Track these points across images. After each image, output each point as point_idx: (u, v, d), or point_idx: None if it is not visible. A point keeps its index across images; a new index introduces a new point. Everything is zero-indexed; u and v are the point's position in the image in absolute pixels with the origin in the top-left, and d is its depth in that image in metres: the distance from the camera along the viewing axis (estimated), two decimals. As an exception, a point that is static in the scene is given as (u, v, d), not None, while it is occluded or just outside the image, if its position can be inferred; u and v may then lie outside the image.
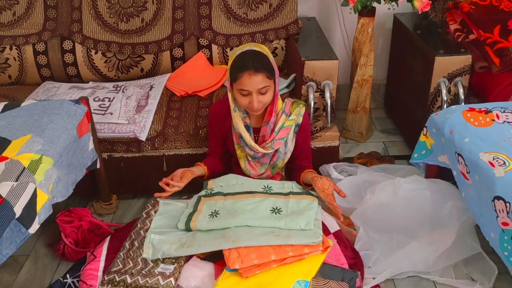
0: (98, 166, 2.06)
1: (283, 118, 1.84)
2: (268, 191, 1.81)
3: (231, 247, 1.55)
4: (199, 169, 1.93)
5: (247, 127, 1.85)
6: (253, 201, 1.74)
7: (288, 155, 1.91)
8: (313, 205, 1.73)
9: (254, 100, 1.72)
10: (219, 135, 1.97)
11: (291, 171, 2.02)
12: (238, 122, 1.83)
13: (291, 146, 1.90)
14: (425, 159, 2.04)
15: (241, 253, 1.53)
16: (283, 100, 1.89)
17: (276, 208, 1.71)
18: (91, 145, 2.00)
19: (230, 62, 1.75)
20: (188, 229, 1.66)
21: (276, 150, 1.88)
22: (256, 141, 1.88)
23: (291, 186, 1.84)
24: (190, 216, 1.70)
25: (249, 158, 1.90)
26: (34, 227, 1.50)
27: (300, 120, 1.88)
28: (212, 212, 1.71)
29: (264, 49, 1.74)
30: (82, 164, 1.93)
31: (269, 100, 1.77)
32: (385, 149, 2.70)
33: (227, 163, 2.03)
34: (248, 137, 1.83)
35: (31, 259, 2.04)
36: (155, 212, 1.81)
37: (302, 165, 1.98)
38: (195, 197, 1.83)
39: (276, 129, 1.84)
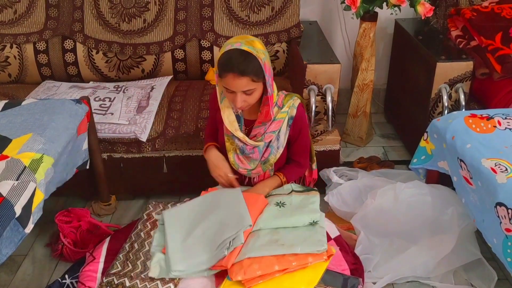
0: (87, 167, 2.04)
1: (275, 110, 1.73)
2: (269, 194, 1.80)
3: (237, 260, 1.52)
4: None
5: (238, 117, 1.76)
6: None
7: (281, 150, 1.78)
8: (315, 198, 1.73)
9: (237, 100, 1.62)
10: (215, 123, 1.87)
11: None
12: (226, 111, 1.72)
13: (283, 140, 1.77)
14: (424, 164, 2.04)
15: (244, 265, 1.50)
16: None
17: (280, 202, 1.71)
18: (85, 145, 1.99)
19: (219, 56, 1.63)
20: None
21: (268, 145, 1.76)
22: (247, 135, 1.77)
23: (290, 186, 1.82)
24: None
25: (238, 152, 1.79)
26: (29, 227, 1.49)
27: (294, 112, 1.75)
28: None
29: (256, 48, 1.59)
30: (74, 163, 1.92)
31: (254, 100, 1.66)
32: (385, 153, 2.70)
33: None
34: (235, 129, 1.72)
35: (29, 259, 2.02)
36: (156, 214, 1.80)
37: (298, 162, 1.87)
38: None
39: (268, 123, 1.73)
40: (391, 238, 1.93)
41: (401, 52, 2.73)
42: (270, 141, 1.76)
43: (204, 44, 2.53)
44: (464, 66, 2.23)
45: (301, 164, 1.88)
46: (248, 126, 1.78)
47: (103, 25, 2.50)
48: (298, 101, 1.78)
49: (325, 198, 2.12)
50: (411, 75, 2.57)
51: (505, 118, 1.85)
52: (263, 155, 1.78)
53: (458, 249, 1.85)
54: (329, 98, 2.21)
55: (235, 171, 1.82)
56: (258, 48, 1.60)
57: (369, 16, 2.47)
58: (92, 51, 2.51)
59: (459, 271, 1.88)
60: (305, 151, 1.88)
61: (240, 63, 1.56)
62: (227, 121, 1.74)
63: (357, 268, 1.70)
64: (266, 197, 1.78)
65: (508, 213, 1.47)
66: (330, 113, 2.22)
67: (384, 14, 2.52)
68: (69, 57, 2.52)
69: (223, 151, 1.83)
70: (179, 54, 2.53)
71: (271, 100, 1.69)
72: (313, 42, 2.54)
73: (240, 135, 1.73)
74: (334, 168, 2.28)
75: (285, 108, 1.74)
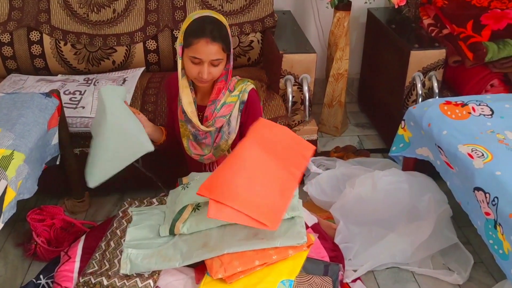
0: (57, 163, 1.97)
1: (226, 94, 1.72)
2: None
3: (215, 255, 1.49)
4: (158, 130, 1.85)
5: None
6: None
7: (233, 136, 1.76)
8: (295, 192, 1.67)
9: (204, 71, 1.61)
10: (171, 113, 1.86)
11: None
12: (185, 91, 1.69)
13: (235, 125, 1.75)
14: (403, 152, 2.07)
15: (224, 261, 1.47)
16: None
17: None
18: (55, 140, 1.91)
19: (185, 26, 1.61)
20: (171, 233, 1.60)
21: (220, 130, 1.75)
22: (200, 121, 1.76)
23: None
24: (174, 222, 1.61)
25: (191, 138, 1.78)
26: None
27: (245, 97, 1.73)
28: (194, 208, 1.64)
29: (223, 19, 1.63)
30: (42, 159, 1.84)
31: (219, 73, 1.66)
32: (360, 142, 2.72)
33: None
34: (192, 110, 1.70)
35: (0, 260, 1.94)
36: (131, 211, 1.75)
37: None
38: (172, 194, 1.77)
39: (218, 106, 1.71)
40: (370, 226, 1.95)
41: (374, 41, 2.74)
42: (222, 126, 1.74)
43: (177, 35, 2.47)
44: (437, 54, 2.25)
45: None
46: (201, 112, 1.76)
47: (71, 15, 2.41)
48: (251, 86, 1.76)
49: (304, 188, 2.12)
50: (384, 64, 2.59)
51: (479, 105, 1.88)
52: (215, 140, 1.76)
53: (435, 234, 1.88)
54: (305, 88, 2.20)
55: (189, 158, 1.82)
56: (225, 21, 1.63)
57: (343, 5, 2.47)
58: (59, 43, 2.42)
59: (437, 256, 1.92)
60: None
61: (213, 29, 1.58)
62: (186, 102, 1.69)
63: (336, 255, 1.71)
64: None
65: (486, 197, 1.50)
66: (307, 103, 2.22)
67: (357, 3, 2.52)
68: (36, 49, 2.42)
69: (180, 140, 1.83)
70: (151, 45, 2.47)
71: (230, 75, 1.69)
72: (287, 31, 2.53)
73: (194, 119, 1.71)
74: (312, 158, 2.27)
75: (235, 92, 1.73)
